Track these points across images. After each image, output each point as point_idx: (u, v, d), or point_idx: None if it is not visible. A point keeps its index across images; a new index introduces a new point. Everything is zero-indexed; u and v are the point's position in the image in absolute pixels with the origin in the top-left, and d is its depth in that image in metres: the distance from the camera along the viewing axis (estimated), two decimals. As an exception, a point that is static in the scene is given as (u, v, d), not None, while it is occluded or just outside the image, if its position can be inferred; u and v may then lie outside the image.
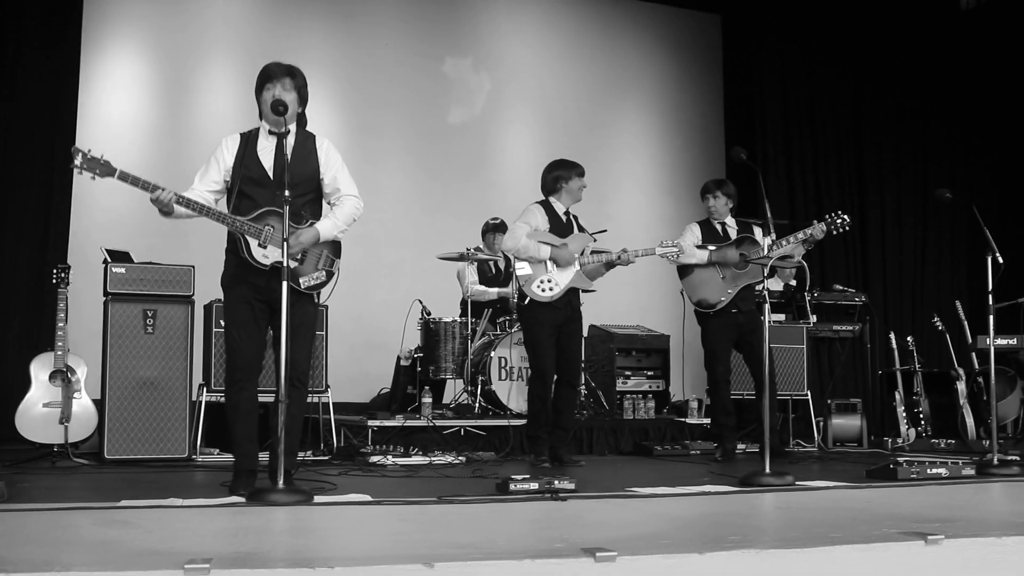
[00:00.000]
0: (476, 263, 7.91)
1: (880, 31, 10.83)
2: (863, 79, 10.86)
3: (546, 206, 6.29)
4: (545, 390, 6.18)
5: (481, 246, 8.05)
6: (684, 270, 6.71)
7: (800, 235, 6.31)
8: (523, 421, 6.98)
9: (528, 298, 6.14)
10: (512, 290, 7.80)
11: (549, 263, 6.12)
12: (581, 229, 6.33)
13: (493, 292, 7.95)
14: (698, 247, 6.63)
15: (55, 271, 6.14)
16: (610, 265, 6.22)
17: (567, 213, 6.31)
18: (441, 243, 8.19)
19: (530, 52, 10.36)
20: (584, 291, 6.32)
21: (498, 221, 8.08)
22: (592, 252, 6.24)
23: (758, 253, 6.38)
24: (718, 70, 11.16)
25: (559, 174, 6.29)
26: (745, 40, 10.78)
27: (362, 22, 9.62)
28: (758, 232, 6.63)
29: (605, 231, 6.47)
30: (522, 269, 6.16)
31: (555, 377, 6.27)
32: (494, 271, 8.14)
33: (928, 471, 5.07)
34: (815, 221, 6.42)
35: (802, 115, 10.67)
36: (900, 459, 5.36)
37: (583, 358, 6.89)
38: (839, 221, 6.37)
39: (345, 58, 9.51)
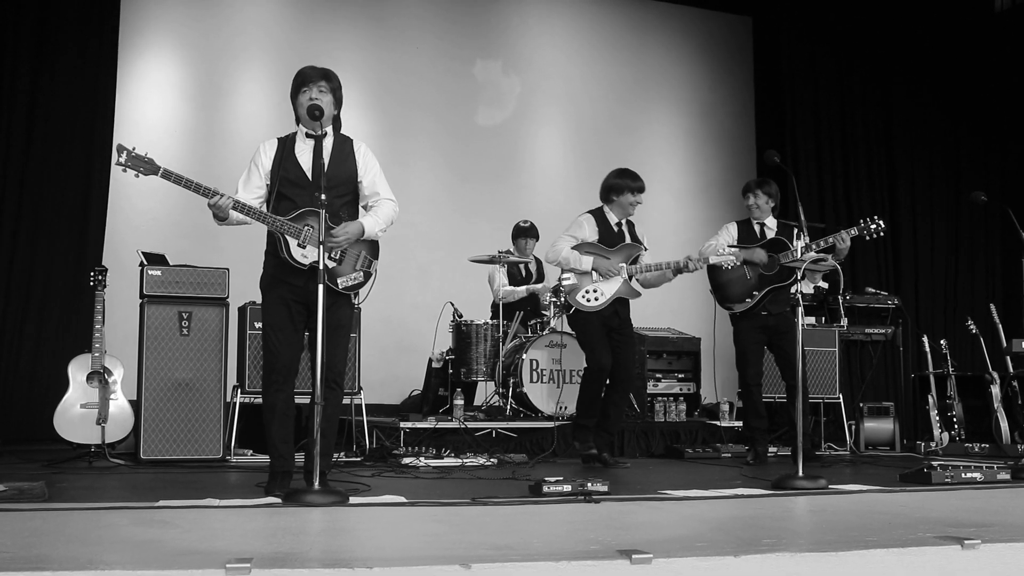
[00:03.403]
0: (506, 266, 7.92)
1: (912, 33, 10.75)
2: (894, 81, 10.79)
3: (598, 215, 6.30)
4: (599, 385, 6.22)
5: (512, 249, 8.07)
6: (713, 269, 6.69)
7: (822, 243, 6.22)
8: (553, 423, 7.01)
9: (574, 308, 6.18)
10: (541, 287, 7.82)
11: (594, 274, 6.13)
12: (635, 237, 6.32)
13: (522, 291, 7.96)
14: (730, 246, 6.61)
15: (92, 273, 6.19)
16: (678, 271, 6.20)
17: (619, 223, 6.30)
18: (471, 245, 8.20)
19: (560, 54, 10.36)
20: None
21: (528, 224, 8.10)
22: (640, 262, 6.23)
23: (788, 256, 6.35)
24: (749, 72, 11.12)
25: (613, 184, 6.29)
26: (776, 42, 10.73)
27: (393, 25, 9.66)
28: (796, 235, 6.57)
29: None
30: (568, 279, 6.19)
31: (611, 379, 6.30)
32: (524, 274, 8.14)
33: (963, 475, 5.02)
34: (841, 231, 6.33)
35: (833, 117, 10.62)
36: (934, 463, 5.31)
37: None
38: (873, 227, 6.25)
39: (376, 61, 9.55)
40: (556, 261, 6.25)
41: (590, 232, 6.23)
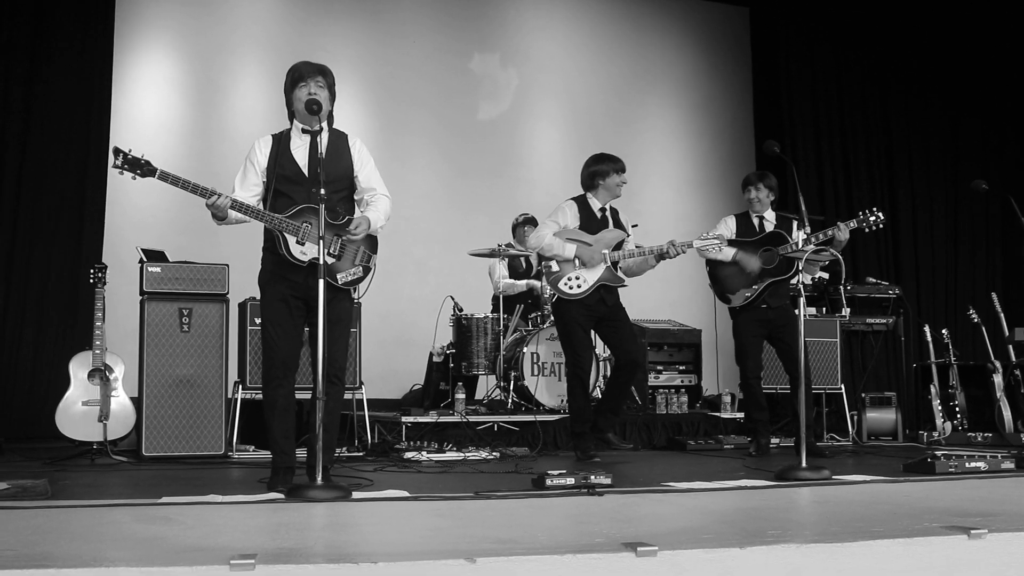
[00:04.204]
0: (507, 259, 7.91)
1: (910, 21, 10.72)
2: (892, 70, 10.76)
3: (580, 202, 6.23)
4: (583, 386, 6.16)
5: (512, 242, 8.07)
6: (712, 262, 6.66)
7: (821, 235, 6.17)
8: (556, 416, 7.00)
9: (557, 296, 6.14)
10: (542, 285, 7.80)
11: (576, 261, 6.10)
12: (619, 224, 6.27)
13: (522, 284, 7.96)
14: (728, 241, 6.58)
15: (92, 271, 6.18)
16: (661, 257, 6.12)
17: (603, 209, 6.24)
18: (470, 239, 8.20)
19: (558, 47, 10.34)
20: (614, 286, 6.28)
21: (528, 216, 8.10)
22: (636, 246, 6.20)
23: (787, 249, 6.32)
24: (746, 63, 11.09)
25: (596, 170, 6.21)
26: (773, 33, 10.70)
27: (389, 20, 9.64)
28: (796, 227, 6.54)
29: (636, 226, 6.44)
30: (551, 267, 6.16)
31: (615, 362, 6.26)
32: (525, 266, 8.14)
33: (966, 465, 5.00)
34: (839, 223, 6.27)
35: (831, 107, 10.59)
36: (937, 453, 5.29)
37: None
38: (872, 219, 6.18)
39: (373, 56, 9.53)
40: (539, 248, 6.19)
41: (572, 218, 6.17)
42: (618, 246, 6.18)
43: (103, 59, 8.28)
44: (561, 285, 6.09)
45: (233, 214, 4.36)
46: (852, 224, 6.22)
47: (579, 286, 6.07)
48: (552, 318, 7.43)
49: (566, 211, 6.20)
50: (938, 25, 10.76)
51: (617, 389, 6.24)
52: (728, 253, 6.52)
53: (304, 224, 4.38)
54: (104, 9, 8.31)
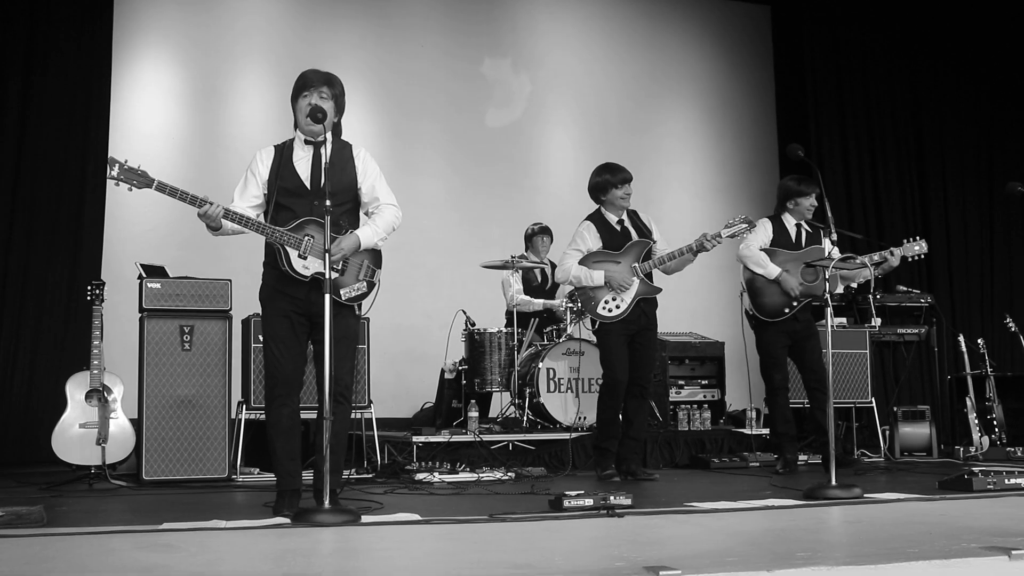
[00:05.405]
0: (520, 271, 7.77)
1: (939, 15, 10.51)
2: (921, 68, 10.58)
3: (597, 219, 6.17)
4: (616, 401, 6.11)
5: (527, 253, 7.96)
6: (751, 281, 6.49)
7: (876, 257, 6.16)
8: (575, 434, 6.89)
9: (598, 322, 6.08)
10: (559, 302, 7.65)
11: (608, 284, 6.02)
12: (640, 228, 6.17)
13: (538, 303, 7.82)
14: (764, 250, 6.40)
15: (89, 287, 6.10)
16: (699, 251, 6.02)
17: (621, 221, 6.17)
18: (482, 251, 8.09)
19: (572, 51, 10.21)
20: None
21: (543, 225, 8.03)
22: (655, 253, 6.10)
23: (819, 257, 6.19)
24: (769, 64, 10.95)
25: (596, 184, 6.16)
26: (796, 31, 10.52)
27: (397, 24, 9.53)
28: (822, 235, 6.41)
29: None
30: (585, 294, 6.11)
31: (628, 382, 6.16)
32: (539, 279, 8.00)
33: (1006, 481, 4.94)
34: (892, 248, 6.25)
35: (858, 108, 10.40)
36: (975, 469, 5.24)
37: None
38: (917, 249, 6.23)
39: (380, 62, 9.42)
40: (567, 280, 6.20)
41: (593, 240, 6.12)
42: (646, 255, 6.10)
43: (101, 67, 8.15)
44: (600, 311, 6.06)
45: (228, 224, 4.30)
46: (898, 252, 6.21)
47: (617, 307, 6.04)
48: (568, 332, 7.31)
49: (585, 235, 6.15)
50: (970, 16, 10.53)
51: (631, 414, 6.17)
52: (772, 272, 6.38)
53: (306, 237, 4.34)
54: (102, 16, 8.19)
